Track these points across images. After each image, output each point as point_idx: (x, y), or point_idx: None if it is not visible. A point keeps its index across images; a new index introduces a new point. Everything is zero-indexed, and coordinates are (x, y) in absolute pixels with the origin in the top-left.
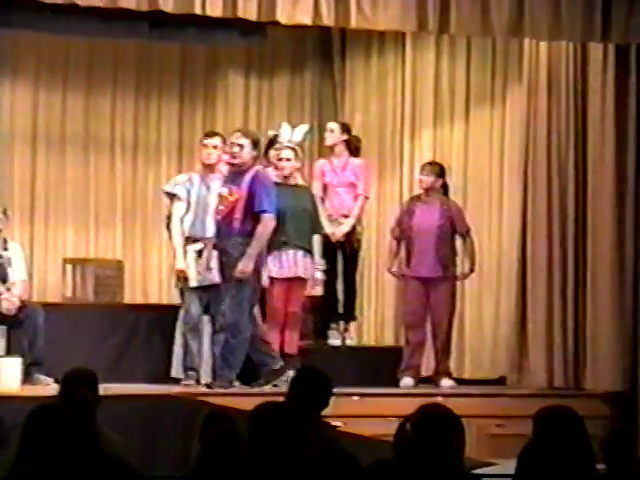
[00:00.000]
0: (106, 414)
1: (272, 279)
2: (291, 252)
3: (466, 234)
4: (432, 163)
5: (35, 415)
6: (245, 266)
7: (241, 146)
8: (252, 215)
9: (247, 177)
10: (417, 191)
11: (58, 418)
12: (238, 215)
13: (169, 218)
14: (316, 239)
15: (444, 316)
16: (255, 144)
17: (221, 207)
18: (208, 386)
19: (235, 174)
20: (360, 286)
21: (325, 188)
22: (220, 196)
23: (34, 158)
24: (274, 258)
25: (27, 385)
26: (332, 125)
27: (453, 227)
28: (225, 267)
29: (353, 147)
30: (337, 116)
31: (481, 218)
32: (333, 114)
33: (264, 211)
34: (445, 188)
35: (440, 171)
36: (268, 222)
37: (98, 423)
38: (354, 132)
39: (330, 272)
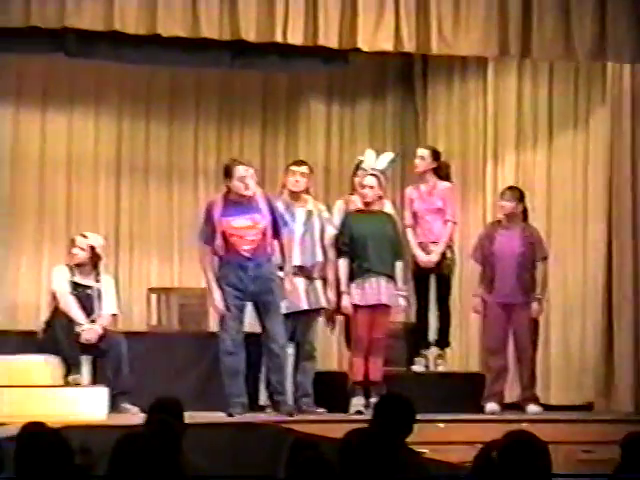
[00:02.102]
0: (192, 442)
1: (355, 306)
2: (374, 279)
3: (542, 260)
4: (512, 188)
5: (122, 444)
6: (291, 285)
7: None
8: (276, 237)
9: (262, 203)
10: (499, 216)
11: (145, 446)
12: (269, 241)
13: None
14: (398, 266)
15: (528, 342)
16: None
17: (251, 237)
18: (290, 414)
19: (239, 203)
20: None
21: (414, 215)
22: (239, 228)
23: (118, 188)
24: (357, 285)
25: (113, 414)
26: (422, 152)
27: (533, 253)
28: (261, 294)
29: (443, 174)
30: (419, 142)
31: (565, 242)
32: (415, 140)
33: (285, 227)
34: (525, 213)
35: (520, 196)
36: (289, 235)
37: (184, 450)
38: None
39: (421, 299)
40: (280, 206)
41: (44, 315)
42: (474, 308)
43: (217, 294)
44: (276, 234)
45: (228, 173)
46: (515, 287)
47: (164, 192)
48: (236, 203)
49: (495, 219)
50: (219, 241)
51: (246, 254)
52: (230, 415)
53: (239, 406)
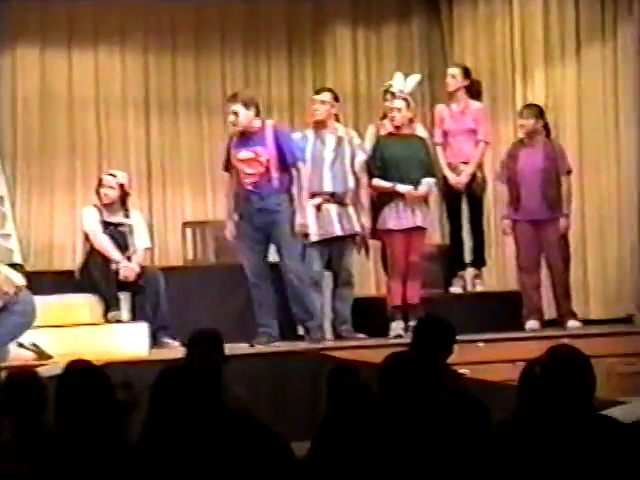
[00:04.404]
0: (233, 373)
1: (390, 231)
2: (407, 203)
3: (567, 174)
4: (530, 105)
5: (163, 378)
6: (304, 219)
7: (235, 113)
8: (285, 168)
9: (268, 135)
10: (520, 135)
11: (186, 379)
12: (275, 174)
13: None
14: (426, 181)
15: (558, 258)
16: (247, 104)
17: (251, 170)
18: (318, 341)
19: (247, 136)
20: None
21: (445, 135)
22: (243, 160)
23: (147, 124)
24: (390, 209)
25: (154, 349)
26: (453, 70)
27: (557, 168)
28: (268, 226)
29: (475, 91)
30: (447, 63)
31: (598, 156)
32: (443, 61)
33: (297, 160)
34: (546, 128)
35: (539, 112)
36: (303, 168)
37: (225, 382)
38: None
39: (454, 220)
40: (298, 137)
41: (79, 256)
42: (504, 230)
43: (228, 224)
44: (285, 167)
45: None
46: (541, 203)
47: (194, 125)
48: (245, 136)
49: (517, 139)
50: (234, 173)
51: (249, 187)
52: (251, 346)
53: (264, 336)
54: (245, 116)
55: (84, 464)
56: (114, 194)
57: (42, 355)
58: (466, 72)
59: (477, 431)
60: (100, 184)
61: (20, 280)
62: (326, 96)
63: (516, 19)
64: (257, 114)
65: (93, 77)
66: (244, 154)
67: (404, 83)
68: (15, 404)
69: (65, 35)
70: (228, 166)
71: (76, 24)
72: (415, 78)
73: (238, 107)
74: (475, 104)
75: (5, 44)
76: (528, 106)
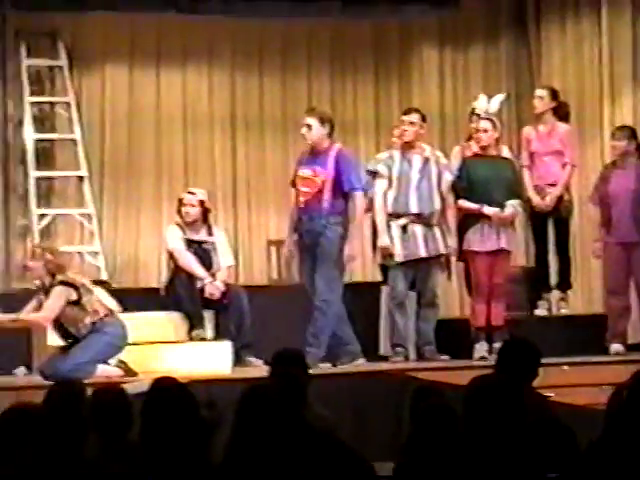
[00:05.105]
0: (316, 392)
1: (475, 252)
2: (493, 224)
3: None
4: (622, 127)
5: (247, 396)
6: (352, 250)
7: (309, 126)
8: (341, 194)
9: (330, 157)
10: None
11: (270, 399)
12: (327, 196)
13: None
14: (512, 202)
15: None
16: (323, 121)
17: (305, 189)
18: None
19: (314, 154)
20: None
21: (531, 156)
22: (302, 178)
23: (234, 142)
24: (475, 231)
25: (237, 367)
26: (541, 92)
27: None
28: (314, 247)
29: (562, 113)
30: (534, 85)
31: None
32: (530, 83)
33: (354, 189)
34: (639, 150)
35: (631, 134)
36: (361, 199)
37: (309, 401)
38: None
39: (540, 243)
40: (385, 157)
41: (164, 273)
42: (594, 253)
43: (287, 241)
44: (341, 192)
45: None
46: (631, 225)
47: (279, 145)
48: (312, 153)
49: (610, 160)
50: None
51: (301, 205)
52: (333, 365)
53: (345, 355)
54: (317, 131)
55: None
56: (195, 212)
57: (128, 372)
58: (554, 94)
59: (564, 454)
60: (181, 203)
61: (114, 306)
62: (414, 117)
63: (604, 41)
64: (330, 134)
65: (180, 97)
66: (304, 171)
67: (488, 104)
68: (102, 420)
69: (153, 56)
70: (295, 182)
71: (164, 45)
72: (499, 98)
73: (313, 121)
74: (562, 126)
75: (95, 65)
76: (620, 128)
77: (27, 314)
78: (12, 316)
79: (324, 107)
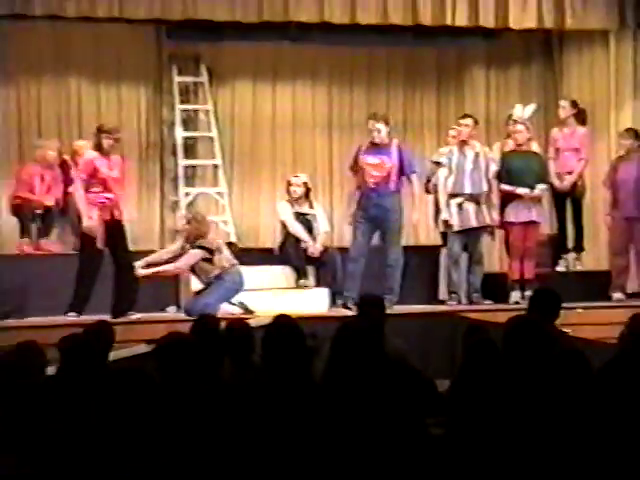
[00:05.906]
0: (391, 329)
1: (512, 223)
2: (526, 202)
3: None
4: (629, 129)
5: (341, 331)
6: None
7: (379, 130)
8: (400, 178)
9: (393, 149)
10: (621, 152)
11: (357, 332)
12: (394, 178)
13: (429, 180)
14: (539, 187)
15: None
16: (387, 123)
17: (376, 173)
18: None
19: (376, 147)
20: None
21: (556, 151)
22: (372, 165)
23: (330, 141)
24: (512, 207)
25: (332, 308)
26: (563, 102)
27: None
28: (380, 218)
29: (581, 118)
30: (558, 98)
31: None
32: (555, 97)
33: (413, 172)
34: None
35: (635, 134)
36: (417, 179)
37: (387, 334)
38: None
39: (561, 216)
40: (446, 151)
41: (278, 237)
42: (606, 223)
43: (347, 211)
44: (402, 174)
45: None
46: (634, 204)
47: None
48: (374, 146)
49: (618, 154)
50: (359, 173)
51: (372, 185)
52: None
53: (349, 299)
54: (385, 132)
55: (283, 395)
56: (300, 190)
57: (247, 311)
58: (574, 103)
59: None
60: (289, 184)
61: (233, 260)
62: (468, 121)
63: (612, 63)
64: (389, 131)
65: (290, 106)
66: (372, 159)
67: (522, 112)
68: (232, 346)
69: (270, 74)
70: (355, 167)
71: (279, 66)
72: (531, 107)
73: (381, 125)
74: (581, 129)
75: (228, 81)
76: (627, 129)
77: (166, 262)
78: (160, 268)
79: (398, 114)
